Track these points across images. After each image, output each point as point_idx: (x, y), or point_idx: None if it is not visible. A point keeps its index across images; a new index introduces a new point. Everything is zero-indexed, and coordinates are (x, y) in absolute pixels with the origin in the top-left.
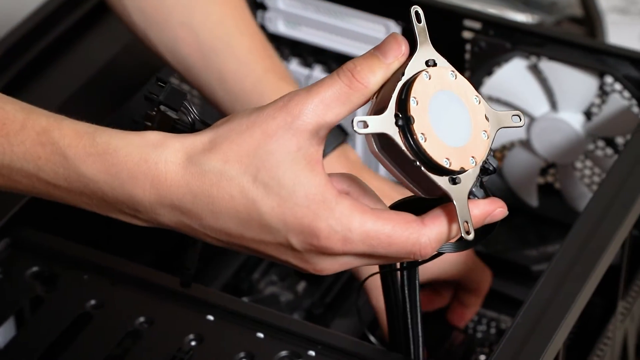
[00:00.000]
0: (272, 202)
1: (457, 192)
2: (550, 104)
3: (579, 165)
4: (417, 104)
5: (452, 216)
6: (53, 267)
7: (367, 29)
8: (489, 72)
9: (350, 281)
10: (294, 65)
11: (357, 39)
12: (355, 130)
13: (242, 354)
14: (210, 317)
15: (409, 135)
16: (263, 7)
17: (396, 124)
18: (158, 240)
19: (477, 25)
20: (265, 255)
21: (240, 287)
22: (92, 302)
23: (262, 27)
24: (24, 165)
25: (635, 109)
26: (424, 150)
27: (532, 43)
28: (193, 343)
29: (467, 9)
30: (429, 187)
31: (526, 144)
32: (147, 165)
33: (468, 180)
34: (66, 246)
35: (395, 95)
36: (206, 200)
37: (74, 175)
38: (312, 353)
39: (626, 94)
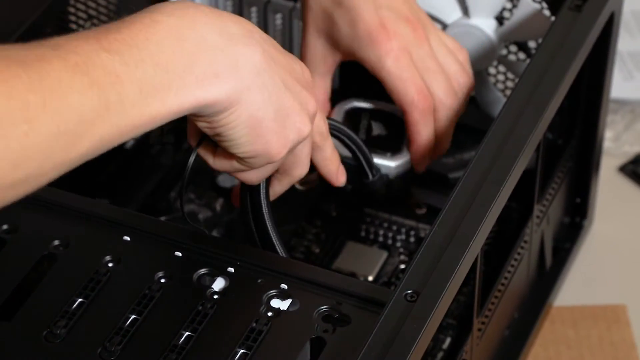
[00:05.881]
0: None
1: None
2: (462, 10)
3: (492, 70)
4: None
5: None
6: None
7: None
8: None
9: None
10: None
11: None
12: None
13: (160, 274)
14: (127, 238)
15: None
16: None
17: None
18: None
19: None
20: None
21: (157, 207)
22: (5, 227)
23: None
24: None
25: (545, 12)
26: None
27: None
28: (110, 264)
29: None
30: None
31: None
32: None
33: None
34: None
35: None
36: None
37: None
38: (231, 269)
39: None
